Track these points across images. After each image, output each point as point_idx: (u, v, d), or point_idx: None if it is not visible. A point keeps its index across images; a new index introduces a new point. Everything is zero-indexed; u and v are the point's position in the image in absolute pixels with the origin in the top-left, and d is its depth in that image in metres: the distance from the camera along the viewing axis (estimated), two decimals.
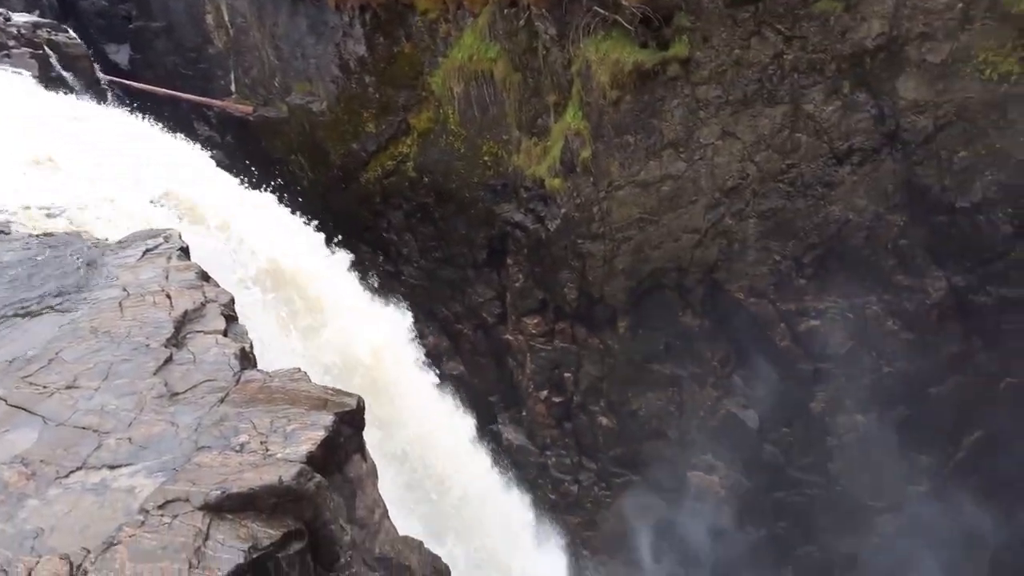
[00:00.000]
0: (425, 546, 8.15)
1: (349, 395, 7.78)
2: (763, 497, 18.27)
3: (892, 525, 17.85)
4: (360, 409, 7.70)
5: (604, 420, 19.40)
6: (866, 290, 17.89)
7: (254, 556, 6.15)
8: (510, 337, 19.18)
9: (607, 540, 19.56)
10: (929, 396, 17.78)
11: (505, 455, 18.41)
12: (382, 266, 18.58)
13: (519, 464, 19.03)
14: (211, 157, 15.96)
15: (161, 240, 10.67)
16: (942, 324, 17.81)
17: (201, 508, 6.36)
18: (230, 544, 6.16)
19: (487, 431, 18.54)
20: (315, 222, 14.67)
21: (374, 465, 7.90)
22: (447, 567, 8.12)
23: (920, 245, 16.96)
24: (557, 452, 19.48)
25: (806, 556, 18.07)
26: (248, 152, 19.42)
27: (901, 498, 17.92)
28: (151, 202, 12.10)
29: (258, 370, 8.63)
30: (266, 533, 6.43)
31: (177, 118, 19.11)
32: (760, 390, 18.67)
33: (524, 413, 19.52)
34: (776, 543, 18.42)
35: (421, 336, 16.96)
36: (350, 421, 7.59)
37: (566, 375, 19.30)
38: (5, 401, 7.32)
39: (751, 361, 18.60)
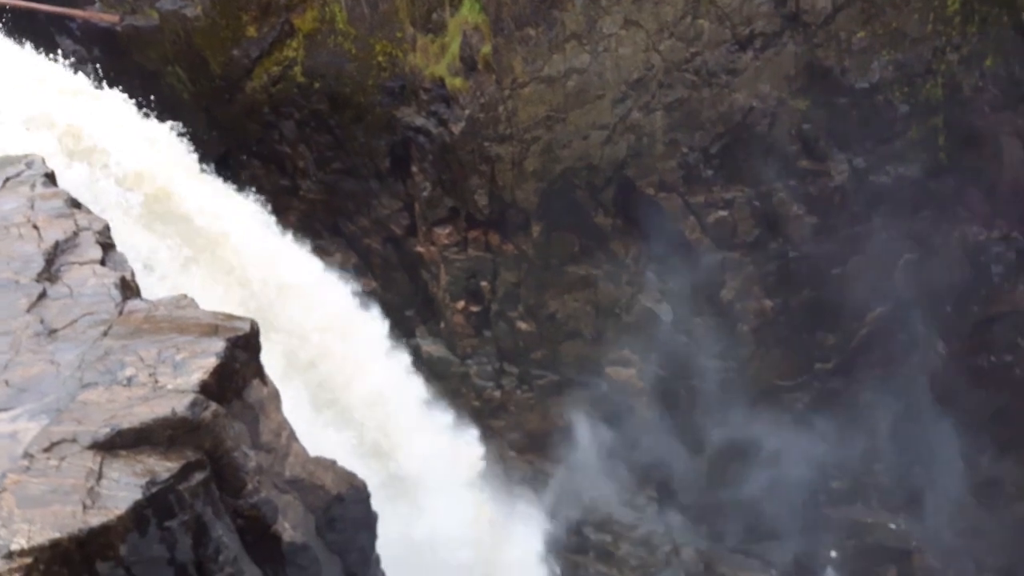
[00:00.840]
0: (339, 464, 7.95)
1: (241, 319, 7.39)
2: (678, 386, 18.81)
3: (802, 402, 18.70)
4: (254, 333, 7.32)
5: (523, 325, 19.45)
6: (771, 177, 18.14)
7: (153, 491, 5.89)
8: (422, 249, 18.80)
9: (533, 439, 19.93)
10: (833, 277, 18.39)
11: (425, 368, 18.32)
12: (278, 182, 17.73)
13: (440, 376, 18.99)
14: (78, 73, 14.64)
15: (23, 167, 9.82)
16: (844, 206, 18.30)
17: (91, 447, 6.07)
18: (126, 481, 5.88)
19: (405, 345, 18.35)
20: (200, 138, 13.73)
21: (276, 389, 7.59)
22: (363, 482, 7.97)
23: (822, 129, 17.19)
24: (478, 360, 19.52)
25: (720, 439, 18.85)
26: (119, 67, 17.92)
27: (809, 376, 18.73)
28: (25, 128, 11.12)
29: (142, 300, 8.10)
30: (164, 467, 6.15)
31: (35, 32, 17.37)
32: (672, 283, 18.96)
33: (442, 325, 19.37)
34: (692, 429, 19.12)
35: (327, 253, 16.41)
36: (244, 346, 7.23)
37: (482, 284, 19.14)
38: None
39: (663, 256, 18.81)
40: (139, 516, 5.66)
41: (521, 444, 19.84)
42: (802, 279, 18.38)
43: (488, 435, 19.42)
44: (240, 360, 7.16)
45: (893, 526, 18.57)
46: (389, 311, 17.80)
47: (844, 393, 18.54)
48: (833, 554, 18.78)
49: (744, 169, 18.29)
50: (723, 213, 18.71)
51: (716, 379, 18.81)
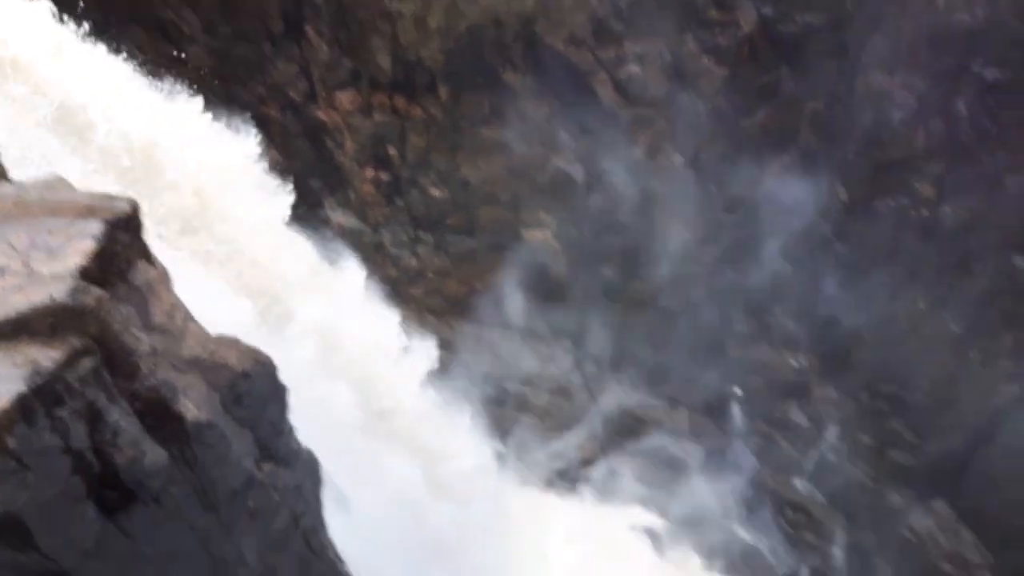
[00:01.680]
0: (243, 341, 7.85)
1: (119, 199, 7.01)
2: (593, 243, 19.09)
3: (710, 255, 19.28)
4: (134, 212, 6.97)
5: (436, 192, 19.18)
6: (681, 29, 17.86)
7: (39, 382, 5.72)
8: (323, 115, 18.03)
9: (453, 304, 20.12)
10: (742, 129, 18.58)
11: (337, 239, 17.99)
12: (162, 49, 16.48)
13: (353, 246, 18.71)
14: None
15: None
16: (753, 56, 18.25)
17: None
18: (7, 373, 5.68)
19: (315, 217, 17.90)
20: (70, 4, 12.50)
21: (164, 269, 7.33)
22: (269, 357, 7.91)
23: None
24: (392, 229, 19.27)
25: (632, 290, 19.43)
26: None
27: (717, 228, 19.24)
28: None
29: (9, 182, 7.57)
30: (47, 356, 5.95)
31: None
32: (585, 143, 18.85)
33: (352, 195, 18.92)
34: (608, 284, 19.61)
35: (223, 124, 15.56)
36: (125, 227, 6.89)
37: (391, 150, 18.61)
38: None
39: (575, 114, 18.58)
40: (24, 407, 5.50)
41: (441, 308, 20.01)
42: (712, 132, 18.51)
43: (407, 302, 19.51)
44: (121, 242, 6.84)
45: (794, 363, 19.78)
46: (294, 182, 17.21)
47: (751, 241, 19.16)
48: (738, 392, 19.99)
49: (655, 22, 17.93)
50: (634, 68, 18.46)
51: (630, 237, 19.15)
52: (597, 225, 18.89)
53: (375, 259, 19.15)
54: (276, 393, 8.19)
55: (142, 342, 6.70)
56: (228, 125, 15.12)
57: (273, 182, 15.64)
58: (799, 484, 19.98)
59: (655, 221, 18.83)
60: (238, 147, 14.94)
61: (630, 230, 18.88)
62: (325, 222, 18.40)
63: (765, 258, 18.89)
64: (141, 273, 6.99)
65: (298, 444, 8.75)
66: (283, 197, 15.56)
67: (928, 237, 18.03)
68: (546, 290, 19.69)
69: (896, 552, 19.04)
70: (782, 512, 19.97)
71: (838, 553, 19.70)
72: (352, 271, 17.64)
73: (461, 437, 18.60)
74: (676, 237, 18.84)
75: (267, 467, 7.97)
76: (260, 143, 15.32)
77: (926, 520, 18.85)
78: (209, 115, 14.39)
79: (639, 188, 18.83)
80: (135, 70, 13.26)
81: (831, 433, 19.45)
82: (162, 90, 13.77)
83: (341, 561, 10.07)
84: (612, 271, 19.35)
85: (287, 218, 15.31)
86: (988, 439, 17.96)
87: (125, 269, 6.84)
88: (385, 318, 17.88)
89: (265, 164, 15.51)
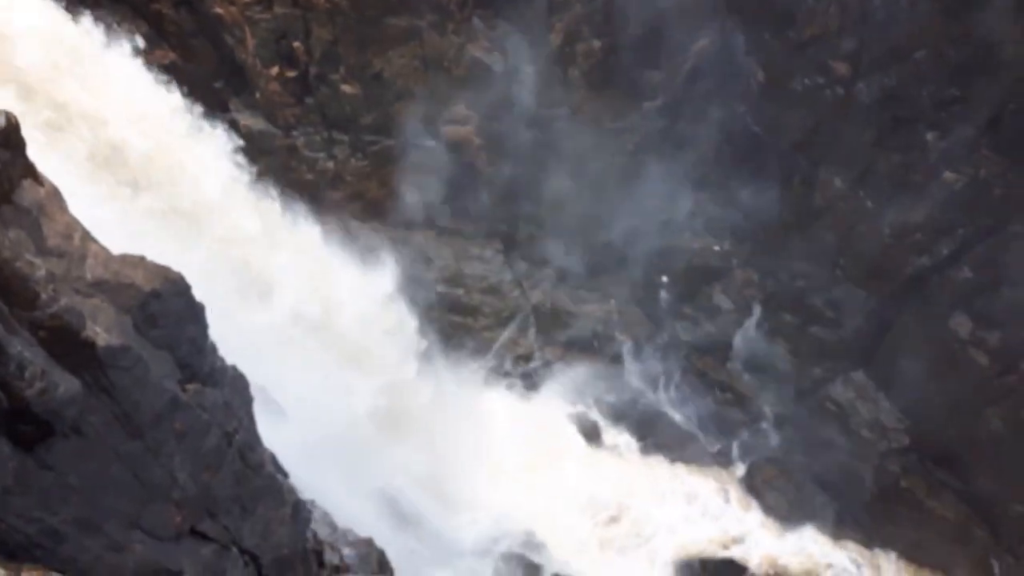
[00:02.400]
0: (149, 259, 7.32)
1: None
2: (513, 137, 18.64)
3: (632, 142, 19.10)
4: (13, 127, 6.26)
5: (347, 88, 18.23)
6: None
7: None
8: (220, 10, 16.65)
9: (375, 207, 19.55)
10: (659, 10, 18.04)
11: (247, 145, 16.99)
12: None
13: (265, 151, 17.79)
14: None
15: None
16: None
17: None
18: None
19: (221, 121, 16.80)
20: None
21: (55, 187, 6.68)
22: (180, 275, 7.44)
23: None
24: (304, 131, 18.33)
25: (561, 189, 19.24)
26: None
27: (638, 115, 18.98)
28: None
29: None
30: None
31: None
32: (502, 29, 18.11)
33: (257, 95, 17.80)
34: (531, 180, 19.33)
35: (107, 25, 14.21)
36: (4, 143, 6.20)
37: (295, 45, 17.47)
38: None
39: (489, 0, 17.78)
40: None
41: (363, 213, 19.43)
42: (629, 15, 17.97)
43: (328, 207, 18.85)
44: (1, 159, 6.17)
45: (717, 248, 20.12)
46: (194, 85, 16.05)
47: (671, 130, 19.03)
48: (664, 279, 20.32)
49: None
50: None
51: (552, 127, 18.76)
52: (519, 120, 18.38)
53: (290, 164, 18.31)
54: (192, 312, 7.74)
55: (38, 267, 6.16)
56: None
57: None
58: (727, 365, 20.71)
59: (577, 111, 18.46)
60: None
61: (553, 121, 18.48)
62: (232, 125, 17.32)
63: (687, 145, 18.84)
64: (29, 193, 6.36)
65: (222, 361, 8.38)
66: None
67: (845, 115, 18.18)
68: (471, 189, 19.29)
69: (819, 422, 20.06)
70: (711, 392, 20.76)
71: (766, 427, 20.69)
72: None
73: (397, 342, 18.48)
74: (597, 125, 18.54)
75: (192, 387, 7.63)
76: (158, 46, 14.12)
77: (846, 391, 19.83)
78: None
79: (559, 78, 18.34)
80: None
81: (754, 313, 20.06)
82: None
83: (284, 473, 9.95)
84: (535, 168, 19.01)
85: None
86: (902, 308, 18.80)
87: (8, 190, 6.20)
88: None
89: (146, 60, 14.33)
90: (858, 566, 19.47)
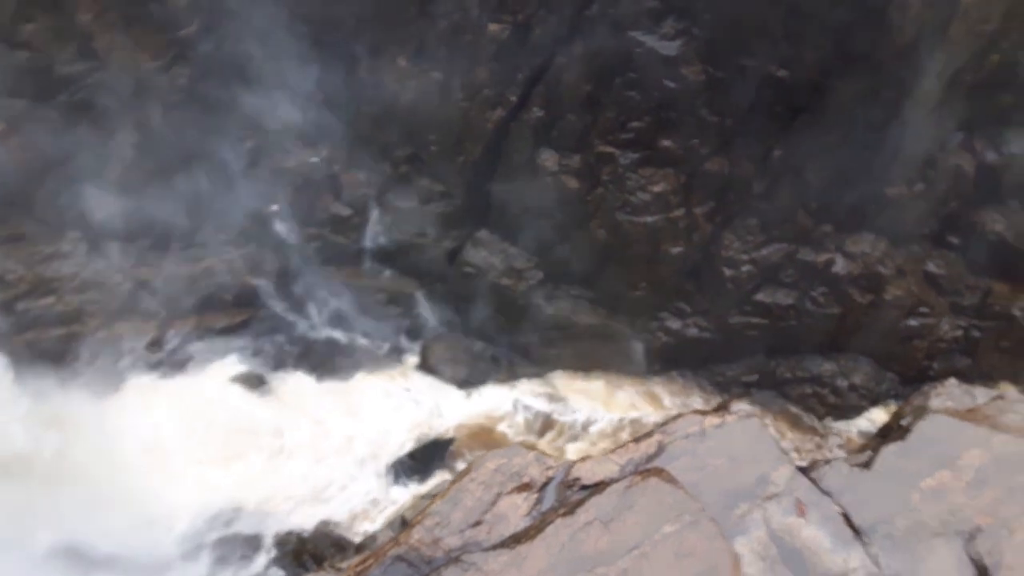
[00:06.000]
0: None
1: None
2: None
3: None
4: None
5: None
6: None
7: None
8: None
9: None
10: None
11: None
12: None
13: None
14: None
15: None
16: None
17: None
18: None
19: None
20: None
21: None
22: None
23: None
24: None
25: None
26: None
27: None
28: None
29: None
30: None
31: None
32: None
33: None
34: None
35: None
36: None
37: None
38: None
39: None
40: None
41: None
42: None
43: None
44: None
45: (315, 159, 19.63)
46: None
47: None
48: (275, 208, 19.46)
49: None
50: None
51: None
52: None
53: None
54: None
55: None
56: None
57: None
58: (366, 267, 20.79)
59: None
60: None
61: None
62: None
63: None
64: None
65: None
66: None
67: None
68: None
69: (464, 285, 21.21)
70: (363, 299, 20.79)
71: (423, 311, 21.42)
72: None
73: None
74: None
75: None
76: None
77: (478, 251, 21.07)
78: None
79: None
80: None
81: (372, 210, 20.18)
82: None
83: None
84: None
85: None
86: (495, 164, 20.16)
87: None
88: None
89: None
90: (536, 395, 21.58)
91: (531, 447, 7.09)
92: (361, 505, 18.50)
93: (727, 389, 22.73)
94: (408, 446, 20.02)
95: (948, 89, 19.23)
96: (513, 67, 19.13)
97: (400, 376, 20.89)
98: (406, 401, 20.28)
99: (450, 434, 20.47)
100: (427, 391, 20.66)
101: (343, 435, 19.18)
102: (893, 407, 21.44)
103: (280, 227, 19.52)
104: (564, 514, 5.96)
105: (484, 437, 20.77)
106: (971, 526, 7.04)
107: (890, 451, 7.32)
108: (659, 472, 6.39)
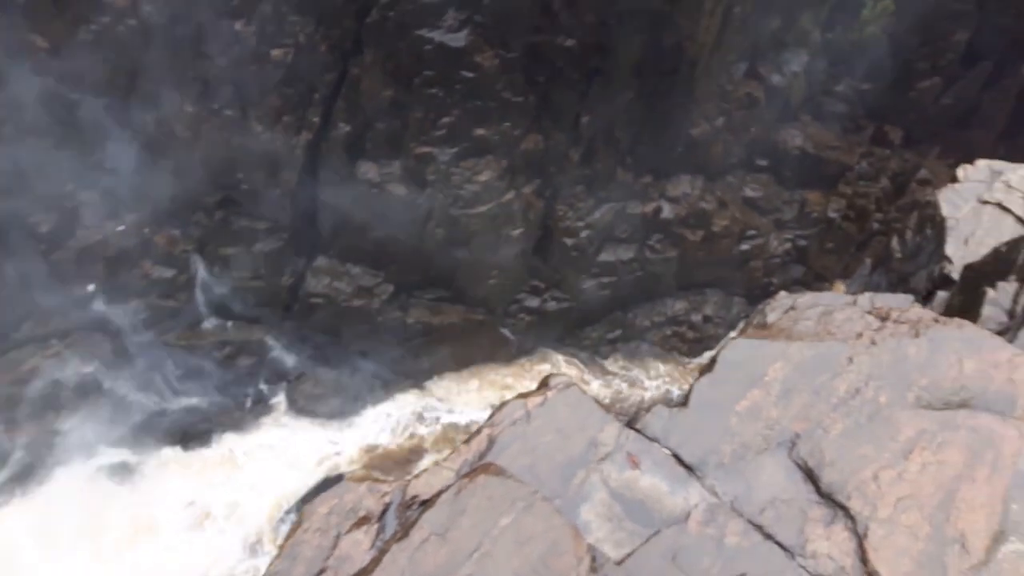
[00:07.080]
0: None
1: None
2: None
3: None
4: None
5: None
6: None
7: None
8: None
9: None
10: None
11: None
12: None
13: None
14: None
15: None
16: None
17: None
18: None
19: None
20: None
21: None
22: None
23: None
24: None
25: None
26: None
27: None
28: None
29: None
30: None
31: None
32: None
33: None
34: None
35: None
36: None
37: None
38: None
39: None
40: None
41: None
42: None
43: None
44: None
45: (122, 228, 18.52)
46: None
47: None
48: (91, 288, 18.30)
49: None
50: None
51: None
52: None
53: None
54: None
55: None
56: None
57: None
58: (206, 325, 19.95)
59: None
60: None
61: None
62: None
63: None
64: None
65: None
66: None
67: None
68: None
69: (314, 318, 20.71)
70: (211, 358, 19.92)
71: (278, 354, 20.73)
72: None
73: None
74: None
75: None
76: None
77: (319, 279, 20.60)
78: None
79: None
80: None
81: (198, 263, 19.34)
82: None
83: None
84: None
85: None
86: (315, 188, 19.77)
87: None
88: None
89: None
90: (416, 407, 21.40)
91: (362, 478, 6.96)
92: None
93: (596, 350, 23.35)
94: (300, 492, 19.46)
95: (724, 24, 20.36)
96: (307, 88, 18.76)
97: (272, 425, 20.21)
98: (283, 450, 19.65)
99: (340, 469, 20.03)
100: (302, 433, 20.11)
101: (223, 503, 18.40)
102: None
103: (101, 306, 18.37)
104: (399, 538, 5.90)
105: (378, 461, 20.45)
106: (790, 435, 7.45)
107: (702, 384, 7.65)
108: (486, 468, 6.43)
